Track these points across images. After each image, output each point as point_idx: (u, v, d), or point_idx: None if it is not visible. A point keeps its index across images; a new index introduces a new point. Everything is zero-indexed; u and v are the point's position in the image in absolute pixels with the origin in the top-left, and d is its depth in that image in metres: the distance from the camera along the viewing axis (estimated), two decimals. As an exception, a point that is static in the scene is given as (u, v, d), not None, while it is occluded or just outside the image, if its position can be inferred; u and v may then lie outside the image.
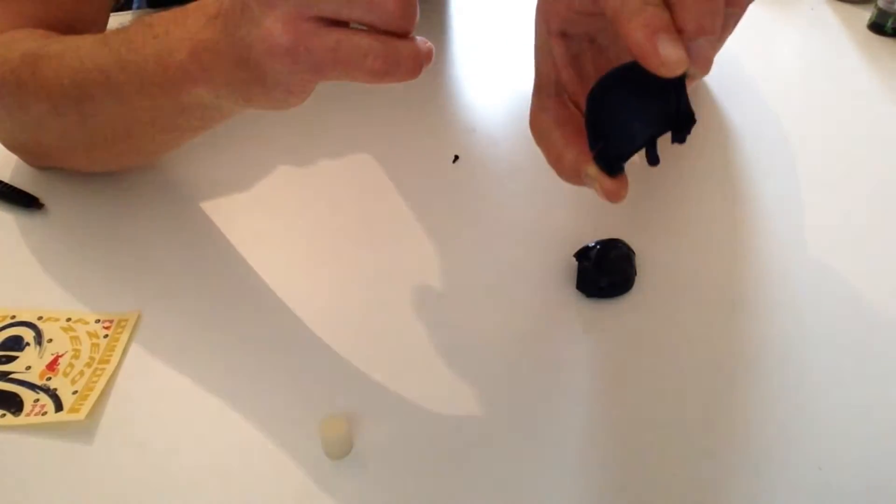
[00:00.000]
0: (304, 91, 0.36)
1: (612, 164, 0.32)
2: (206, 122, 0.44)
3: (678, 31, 0.28)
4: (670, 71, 0.28)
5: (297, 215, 0.53)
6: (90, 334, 0.44)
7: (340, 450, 0.39)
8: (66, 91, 0.44)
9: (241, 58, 0.35)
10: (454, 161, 0.57)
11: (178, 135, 0.46)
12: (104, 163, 0.53)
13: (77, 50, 0.44)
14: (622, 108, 0.32)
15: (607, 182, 0.33)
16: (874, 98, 0.66)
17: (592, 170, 0.33)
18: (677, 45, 0.28)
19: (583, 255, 0.48)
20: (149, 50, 0.40)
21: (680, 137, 0.32)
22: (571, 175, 0.35)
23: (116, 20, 0.61)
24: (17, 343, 0.44)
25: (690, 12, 0.28)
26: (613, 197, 0.33)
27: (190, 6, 0.39)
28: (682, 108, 0.31)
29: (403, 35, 0.33)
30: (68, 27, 0.50)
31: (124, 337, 0.44)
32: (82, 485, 0.38)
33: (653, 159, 0.32)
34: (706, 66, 0.30)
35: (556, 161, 0.36)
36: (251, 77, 0.35)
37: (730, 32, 0.33)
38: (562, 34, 0.35)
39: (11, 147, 0.54)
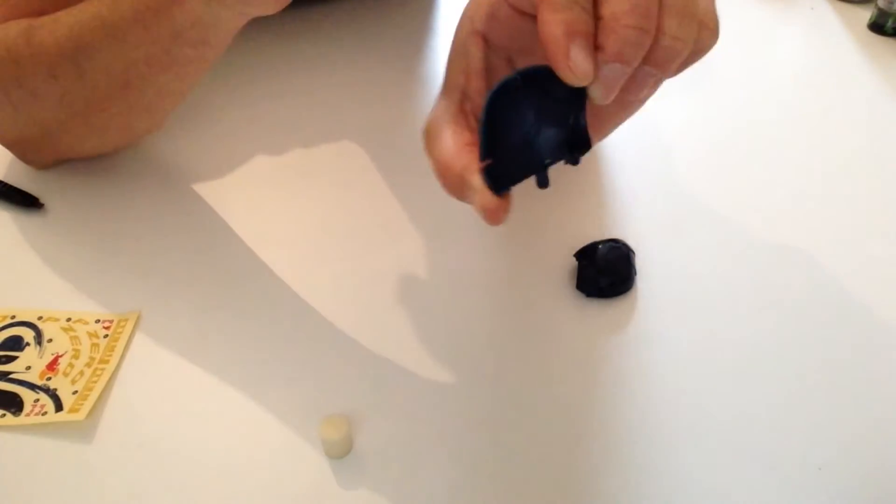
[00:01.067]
0: None
1: (498, 183, 0.30)
2: (200, 51, 0.44)
3: (596, 47, 0.28)
4: (573, 78, 0.27)
5: (297, 216, 0.53)
6: (90, 334, 0.44)
7: (340, 450, 0.39)
8: (62, 49, 0.44)
9: None
10: (454, 161, 0.57)
11: (173, 74, 0.46)
12: (103, 131, 0.52)
13: (72, 9, 0.45)
14: (519, 122, 0.30)
15: (488, 198, 0.31)
16: (874, 98, 0.66)
17: (477, 181, 0.31)
18: (589, 58, 0.27)
19: (583, 255, 0.48)
20: None
21: (572, 160, 0.30)
22: (456, 186, 0.32)
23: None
24: (17, 343, 0.44)
25: (616, 34, 0.27)
26: (491, 217, 0.31)
27: None
28: (579, 129, 0.30)
29: None
30: None
31: (124, 337, 0.44)
32: (82, 485, 0.38)
33: (542, 183, 0.31)
34: (609, 92, 0.28)
35: (442, 169, 0.33)
36: None
37: (649, 93, 0.32)
38: (483, 37, 0.33)
39: (8, 141, 0.53)
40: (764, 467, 0.39)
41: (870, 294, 0.49)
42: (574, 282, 0.48)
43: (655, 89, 0.32)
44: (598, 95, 0.29)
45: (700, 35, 0.30)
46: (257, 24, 0.44)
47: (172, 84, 0.47)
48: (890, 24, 0.73)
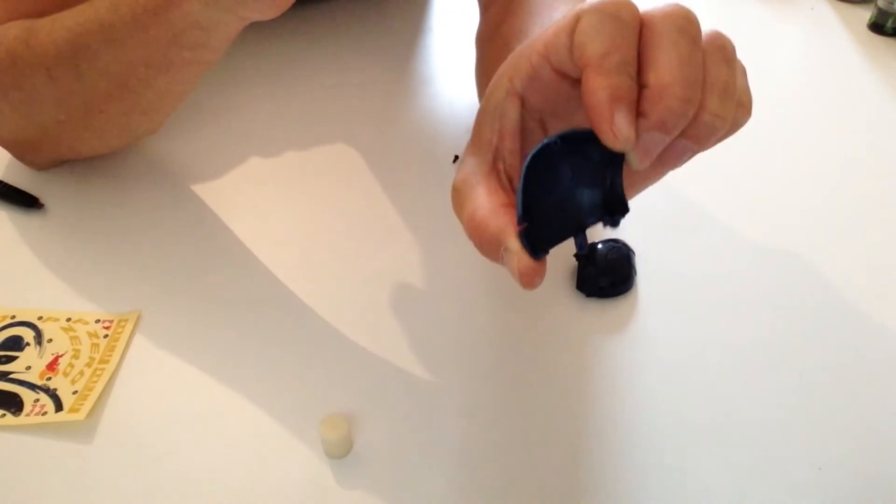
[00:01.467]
0: None
1: (536, 247, 0.30)
2: (199, 53, 0.44)
3: (638, 114, 0.28)
4: (615, 142, 0.28)
5: (298, 216, 0.53)
6: (90, 334, 0.44)
7: (340, 450, 0.39)
8: (60, 51, 0.44)
9: None
10: (454, 161, 0.57)
11: (172, 77, 0.46)
12: (101, 133, 0.52)
13: (71, 11, 0.45)
14: (556, 184, 0.30)
15: (526, 262, 0.30)
16: (874, 98, 0.66)
17: (514, 244, 0.30)
18: (631, 124, 0.28)
19: (583, 255, 0.48)
20: None
21: (612, 222, 0.30)
22: (491, 248, 0.31)
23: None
24: (17, 343, 0.44)
25: (662, 104, 0.28)
26: (527, 281, 0.30)
27: None
28: (616, 192, 0.30)
29: None
30: None
31: (124, 337, 0.44)
32: (82, 485, 0.38)
33: (581, 247, 0.30)
34: (646, 159, 0.29)
35: (477, 230, 0.32)
36: None
37: (683, 162, 0.32)
38: (521, 98, 0.33)
39: (6, 141, 0.53)
40: (764, 467, 0.39)
41: (870, 294, 0.49)
42: (574, 282, 0.48)
43: (689, 159, 0.32)
44: (635, 161, 0.29)
45: (736, 113, 0.30)
46: (254, 25, 0.44)
47: (171, 86, 0.47)
48: (890, 24, 0.73)
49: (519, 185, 0.30)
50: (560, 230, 0.30)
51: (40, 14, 0.47)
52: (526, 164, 0.29)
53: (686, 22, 0.29)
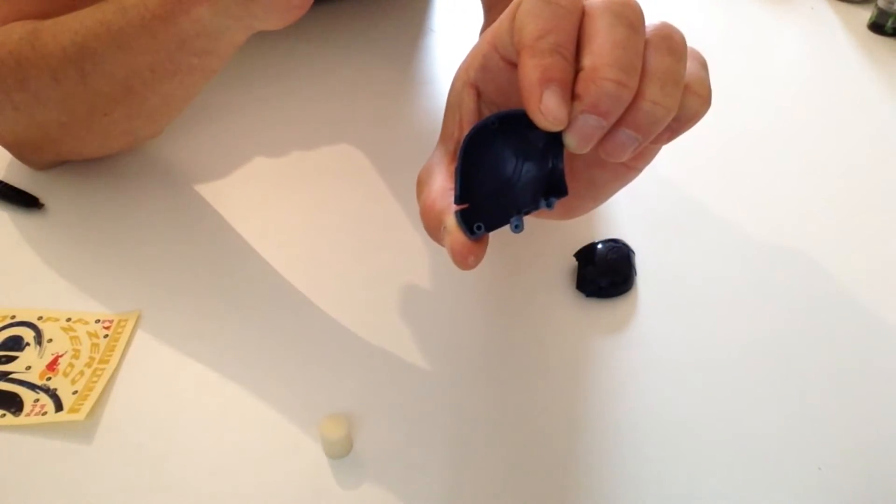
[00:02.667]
0: (304, 8, 0.37)
1: (471, 226, 0.30)
2: (205, 60, 0.44)
3: (574, 97, 0.28)
4: (544, 121, 0.28)
5: (298, 216, 0.53)
6: (90, 334, 0.44)
7: (340, 450, 0.39)
8: (66, 53, 0.44)
9: None
10: (454, 161, 0.57)
11: (177, 83, 0.46)
12: (104, 136, 0.52)
13: (77, 14, 0.45)
14: (496, 166, 0.30)
15: (459, 239, 0.30)
16: (874, 98, 0.66)
17: (450, 222, 0.30)
18: (562, 103, 0.27)
19: (583, 255, 0.48)
20: None
21: (547, 203, 0.30)
22: (433, 228, 0.32)
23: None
24: (17, 343, 0.44)
25: (594, 85, 0.27)
26: (460, 259, 0.30)
27: None
28: (556, 175, 0.30)
29: None
30: None
31: (124, 337, 0.44)
32: (82, 485, 0.38)
33: (516, 228, 0.30)
34: (583, 143, 0.28)
35: (424, 212, 0.33)
36: None
37: (640, 161, 0.32)
38: (476, 88, 0.33)
39: (8, 142, 0.53)
40: (764, 467, 0.39)
41: (869, 294, 0.49)
42: (574, 282, 0.48)
43: (648, 158, 0.32)
44: (572, 144, 0.29)
45: (687, 101, 0.30)
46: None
47: (176, 91, 0.48)
48: (890, 24, 0.73)
49: (457, 164, 0.30)
50: (498, 212, 0.30)
51: (44, 15, 0.47)
52: (464, 143, 0.29)
53: (624, 8, 0.28)
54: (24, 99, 0.48)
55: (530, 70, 0.28)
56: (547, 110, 0.27)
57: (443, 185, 0.33)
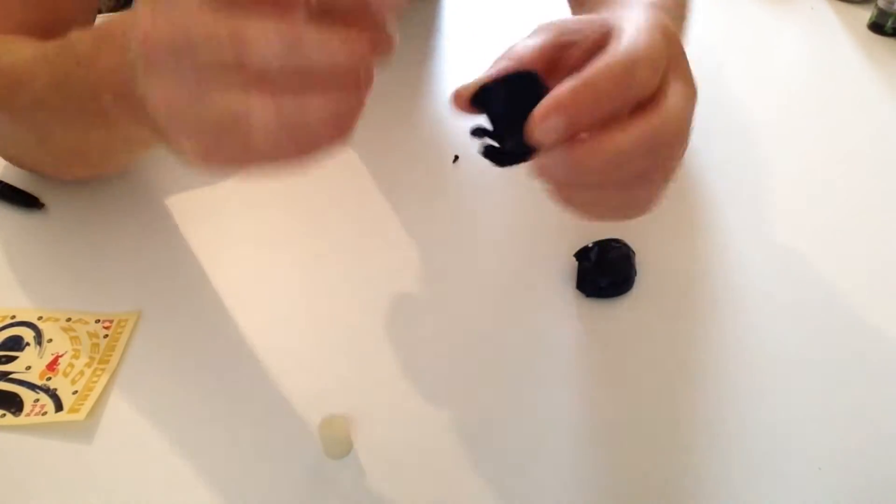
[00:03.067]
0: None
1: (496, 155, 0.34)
2: (158, 143, 0.40)
3: (578, 131, 0.29)
4: (536, 134, 0.29)
5: (299, 216, 0.53)
6: (90, 334, 0.44)
7: (340, 450, 0.39)
8: (22, 113, 0.43)
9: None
10: (454, 161, 0.57)
11: (134, 156, 0.46)
12: (73, 176, 0.53)
13: (25, 62, 0.42)
14: (505, 112, 0.34)
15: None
16: (874, 98, 0.66)
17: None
18: (560, 130, 0.29)
19: (583, 255, 0.48)
20: (80, 81, 0.37)
21: (498, 160, 0.33)
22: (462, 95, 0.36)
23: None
24: (17, 343, 0.44)
25: (590, 156, 0.29)
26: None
27: (109, 26, 0.36)
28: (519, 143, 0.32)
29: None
30: (51, 31, 0.49)
31: (124, 337, 0.44)
32: (82, 485, 0.38)
33: (477, 133, 0.35)
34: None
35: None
36: (174, 148, 0.31)
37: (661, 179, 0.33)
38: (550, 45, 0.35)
39: None
40: (764, 467, 0.39)
41: (869, 294, 0.49)
42: (574, 282, 0.48)
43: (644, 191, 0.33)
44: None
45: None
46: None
47: (139, 156, 0.48)
48: (890, 24, 0.73)
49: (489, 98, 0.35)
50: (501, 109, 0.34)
51: (27, 22, 0.47)
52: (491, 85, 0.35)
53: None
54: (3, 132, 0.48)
55: (560, 94, 0.29)
56: (545, 127, 0.29)
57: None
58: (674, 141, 0.31)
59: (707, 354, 0.45)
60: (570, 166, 0.30)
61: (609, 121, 0.30)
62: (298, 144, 0.28)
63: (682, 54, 0.34)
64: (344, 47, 0.27)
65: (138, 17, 0.28)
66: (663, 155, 0.31)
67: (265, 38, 0.26)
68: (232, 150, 0.28)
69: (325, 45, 0.27)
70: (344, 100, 0.28)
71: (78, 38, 0.38)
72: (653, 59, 0.30)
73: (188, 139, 0.29)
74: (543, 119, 0.29)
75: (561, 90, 0.29)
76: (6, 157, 0.54)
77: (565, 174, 0.31)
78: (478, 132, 0.35)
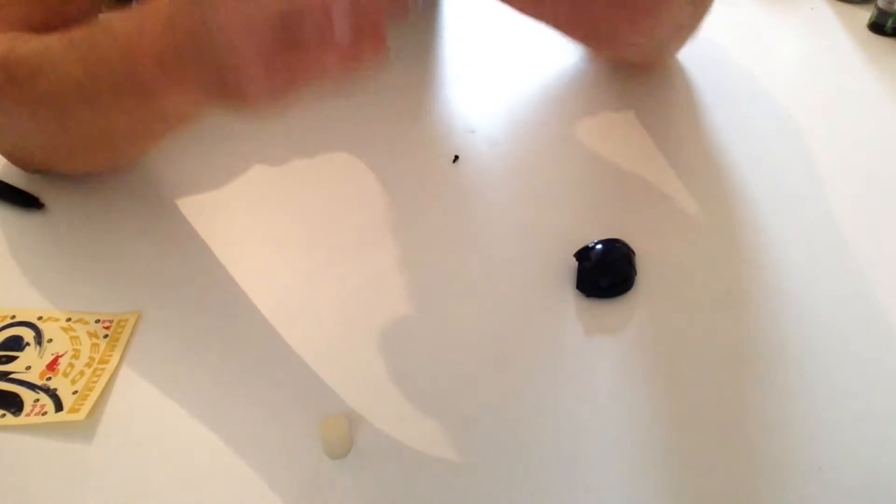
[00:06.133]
0: (282, 111, 0.36)
1: None
2: (186, 125, 0.43)
3: None
4: None
5: (297, 217, 0.53)
6: (90, 334, 0.44)
7: (340, 450, 0.39)
8: (41, 97, 0.43)
9: (214, 71, 0.33)
10: (454, 161, 0.57)
11: (156, 139, 0.46)
12: (87, 167, 0.53)
13: (46, 50, 0.43)
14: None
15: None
16: (874, 98, 0.66)
17: None
18: None
19: (583, 255, 0.48)
20: (115, 57, 0.38)
21: None
22: None
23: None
24: (17, 343, 0.44)
25: None
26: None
27: (145, 7, 0.37)
28: None
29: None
30: (54, 29, 0.49)
31: (124, 337, 0.44)
32: (82, 485, 0.38)
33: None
34: None
35: None
36: (230, 98, 0.34)
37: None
38: None
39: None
40: (764, 467, 0.39)
41: (869, 294, 0.49)
42: (574, 282, 0.48)
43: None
44: None
45: None
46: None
47: (155, 144, 0.48)
48: (890, 24, 0.73)
49: None
50: None
51: (31, 20, 0.46)
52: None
53: None
54: (9, 124, 0.48)
55: None
56: None
57: None
58: None
59: (707, 354, 0.45)
60: None
61: None
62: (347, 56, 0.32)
63: None
64: None
65: None
66: None
67: None
68: (294, 72, 0.33)
69: None
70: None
71: (108, 18, 0.40)
72: None
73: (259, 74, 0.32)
74: None
75: None
76: (12, 158, 0.54)
77: None
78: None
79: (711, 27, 0.72)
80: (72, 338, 0.44)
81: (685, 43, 0.38)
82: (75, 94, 0.42)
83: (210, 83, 0.35)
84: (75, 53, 0.41)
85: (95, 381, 0.42)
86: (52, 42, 0.43)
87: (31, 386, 0.41)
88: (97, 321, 0.45)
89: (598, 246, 0.48)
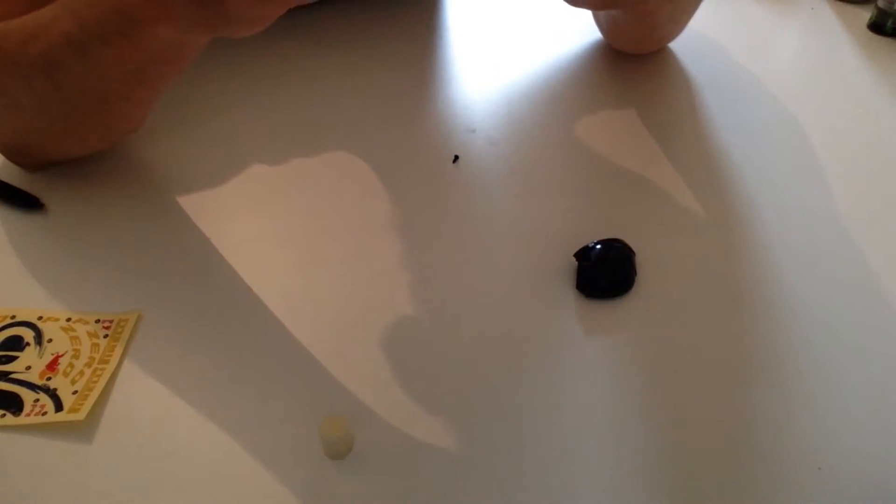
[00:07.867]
0: (270, 20, 0.38)
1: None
2: (175, 65, 0.45)
3: None
4: None
5: (298, 216, 0.53)
6: (90, 334, 0.44)
7: (340, 450, 0.39)
8: (33, 61, 0.44)
9: None
10: (454, 161, 0.57)
11: (149, 88, 0.47)
12: (82, 139, 0.52)
13: (36, 17, 0.44)
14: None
15: None
16: (874, 98, 0.66)
17: None
18: None
19: (583, 255, 0.48)
20: (104, 1, 0.40)
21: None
22: None
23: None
24: (17, 343, 0.44)
25: None
26: None
27: None
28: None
29: None
30: None
31: (124, 337, 0.44)
32: (82, 485, 0.38)
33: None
34: None
35: None
36: (213, 13, 0.36)
37: None
38: None
39: None
40: (764, 467, 0.39)
41: (869, 294, 0.49)
42: (574, 282, 0.48)
43: None
44: None
45: None
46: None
47: (149, 95, 0.48)
48: (890, 24, 0.73)
49: None
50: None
51: (24, 13, 0.47)
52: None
53: None
54: (5, 103, 0.48)
55: None
56: None
57: None
58: None
59: (707, 354, 0.45)
60: None
61: None
62: None
63: None
64: None
65: None
66: None
67: None
68: None
69: None
70: None
71: None
72: None
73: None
74: None
75: None
76: (8, 150, 0.54)
77: None
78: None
79: (712, 27, 0.72)
80: (72, 338, 0.44)
81: (687, 20, 0.41)
82: (66, 49, 0.43)
83: (196, 5, 0.37)
84: (63, 8, 0.43)
85: (95, 382, 0.42)
86: (44, 10, 0.44)
87: (31, 386, 0.41)
88: (97, 321, 0.45)
89: (598, 246, 0.48)
